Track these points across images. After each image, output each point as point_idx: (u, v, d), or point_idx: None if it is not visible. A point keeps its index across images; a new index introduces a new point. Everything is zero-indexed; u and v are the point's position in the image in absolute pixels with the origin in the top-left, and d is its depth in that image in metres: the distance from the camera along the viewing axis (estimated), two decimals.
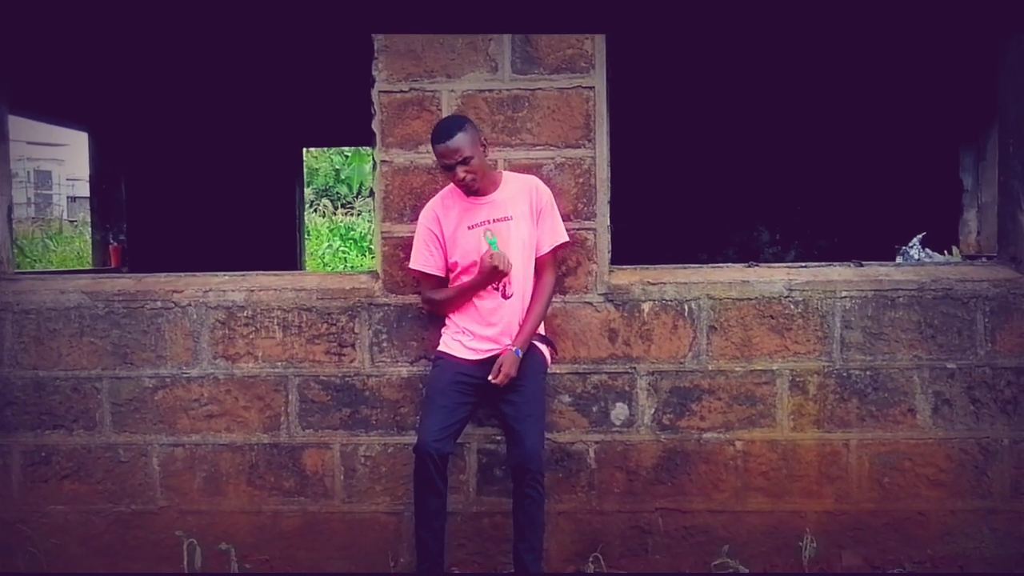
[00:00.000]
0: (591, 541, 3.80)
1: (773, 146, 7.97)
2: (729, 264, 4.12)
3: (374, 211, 4.05)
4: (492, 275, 3.39)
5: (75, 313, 3.90)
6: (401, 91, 3.77)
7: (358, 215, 20.85)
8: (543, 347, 3.58)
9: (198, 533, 3.83)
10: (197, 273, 4.06)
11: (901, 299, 3.76)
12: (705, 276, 3.86)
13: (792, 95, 7.63)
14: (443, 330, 3.59)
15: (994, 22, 3.99)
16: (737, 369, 3.77)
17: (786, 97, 7.67)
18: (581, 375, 3.79)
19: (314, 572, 3.85)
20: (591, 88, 3.73)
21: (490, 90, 3.75)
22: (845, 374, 3.76)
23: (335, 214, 20.52)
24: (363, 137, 4.64)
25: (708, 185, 8.08)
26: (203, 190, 8.41)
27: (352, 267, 15.45)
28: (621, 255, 4.05)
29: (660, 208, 8.05)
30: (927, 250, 4.77)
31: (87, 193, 8.51)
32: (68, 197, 29.75)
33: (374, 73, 3.77)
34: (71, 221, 21.51)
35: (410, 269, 3.61)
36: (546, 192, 3.53)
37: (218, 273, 4.04)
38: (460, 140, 3.31)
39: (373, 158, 3.87)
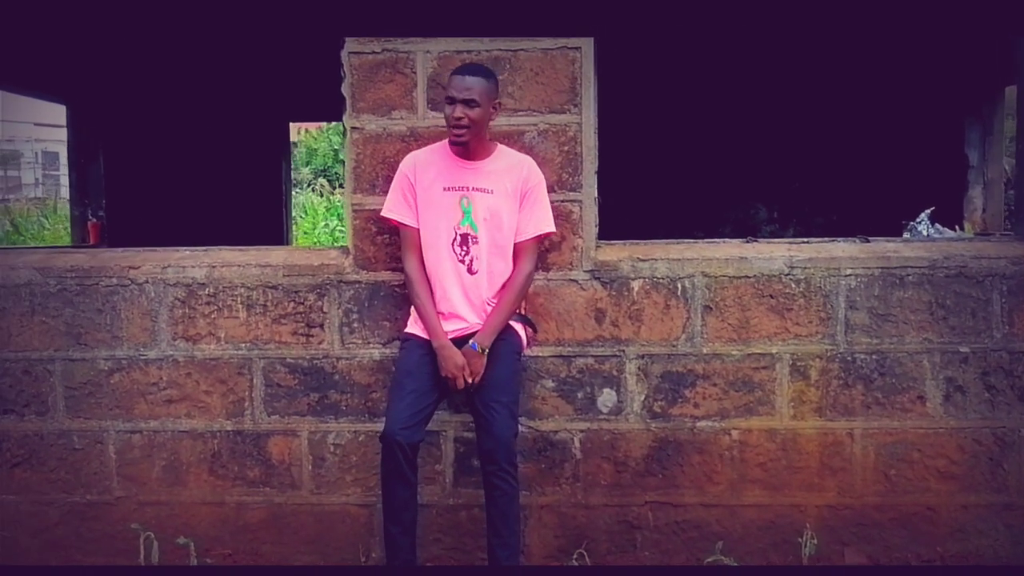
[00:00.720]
0: (576, 537, 3.64)
1: (770, 120, 7.77)
2: (725, 240, 3.95)
3: (344, 181, 3.87)
4: (445, 363, 3.18)
5: (25, 290, 3.72)
6: (373, 52, 3.58)
7: None
8: (518, 326, 3.38)
9: (157, 525, 3.68)
10: (155, 248, 3.86)
11: (910, 277, 3.58)
12: (700, 252, 3.68)
13: (790, 67, 7.41)
14: (411, 309, 3.39)
15: None
16: (734, 352, 3.60)
17: (784, 69, 7.44)
18: (565, 358, 3.61)
19: (280, 566, 3.69)
20: (577, 49, 3.55)
21: (468, 51, 3.56)
22: (850, 358, 3.59)
23: (332, 193, 20.42)
24: None
25: (703, 160, 7.89)
26: (186, 166, 8.23)
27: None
28: (610, 235, 3.86)
29: (652, 185, 7.87)
30: (937, 225, 4.55)
31: None
32: None
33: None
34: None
35: (381, 217, 3.39)
36: (537, 175, 3.34)
37: (178, 248, 3.84)
38: (477, 82, 3.18)
39: (343, 124, 3.66)
